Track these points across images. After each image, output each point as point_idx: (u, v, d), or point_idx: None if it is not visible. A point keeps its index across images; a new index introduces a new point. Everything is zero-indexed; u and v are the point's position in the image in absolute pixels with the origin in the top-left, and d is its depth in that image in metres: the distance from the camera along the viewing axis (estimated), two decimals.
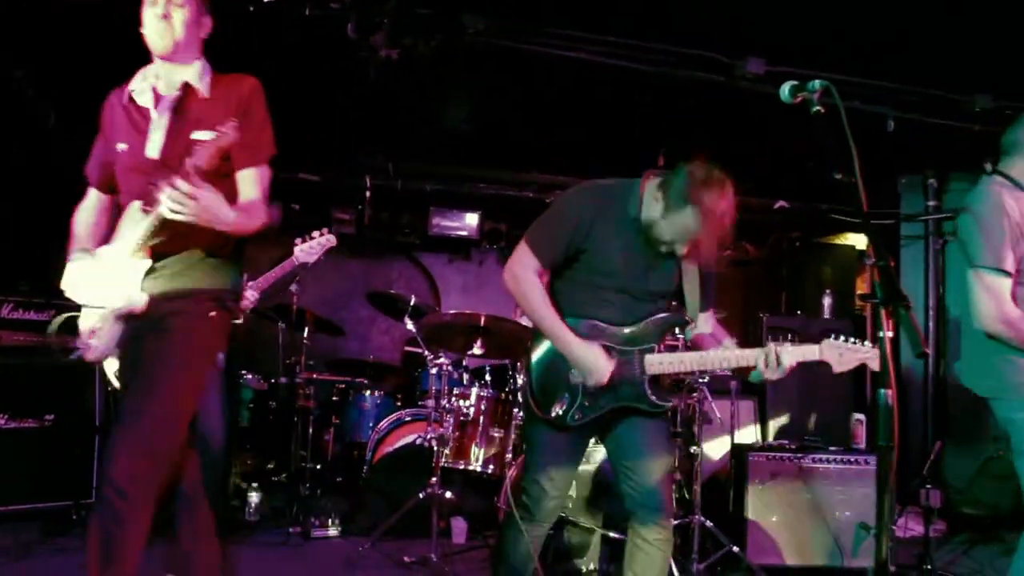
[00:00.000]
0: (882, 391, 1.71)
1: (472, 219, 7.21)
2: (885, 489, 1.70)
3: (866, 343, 2.53)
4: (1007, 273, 2.80)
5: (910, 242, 6.54)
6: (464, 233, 7.25)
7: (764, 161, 6.41)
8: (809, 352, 2.57)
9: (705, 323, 2.83)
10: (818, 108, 2.07)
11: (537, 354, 2.74)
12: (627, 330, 2.68)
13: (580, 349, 2.61)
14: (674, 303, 2.81)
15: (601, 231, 2.64)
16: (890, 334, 1.72)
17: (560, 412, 2.66)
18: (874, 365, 2.48)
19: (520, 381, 4.14)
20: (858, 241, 7.88)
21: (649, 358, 2.66)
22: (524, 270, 2.68)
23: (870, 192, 1.89)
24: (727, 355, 2.63)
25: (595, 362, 2.59)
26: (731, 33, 4.44)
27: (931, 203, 6.34)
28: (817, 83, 2.09)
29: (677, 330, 2.96)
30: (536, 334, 2.76)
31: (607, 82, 4.74)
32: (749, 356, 2.59)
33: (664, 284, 2.74)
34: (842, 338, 2.55)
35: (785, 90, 2.14)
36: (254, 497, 4.95)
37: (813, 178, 5.90)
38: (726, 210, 2.52)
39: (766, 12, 4.18)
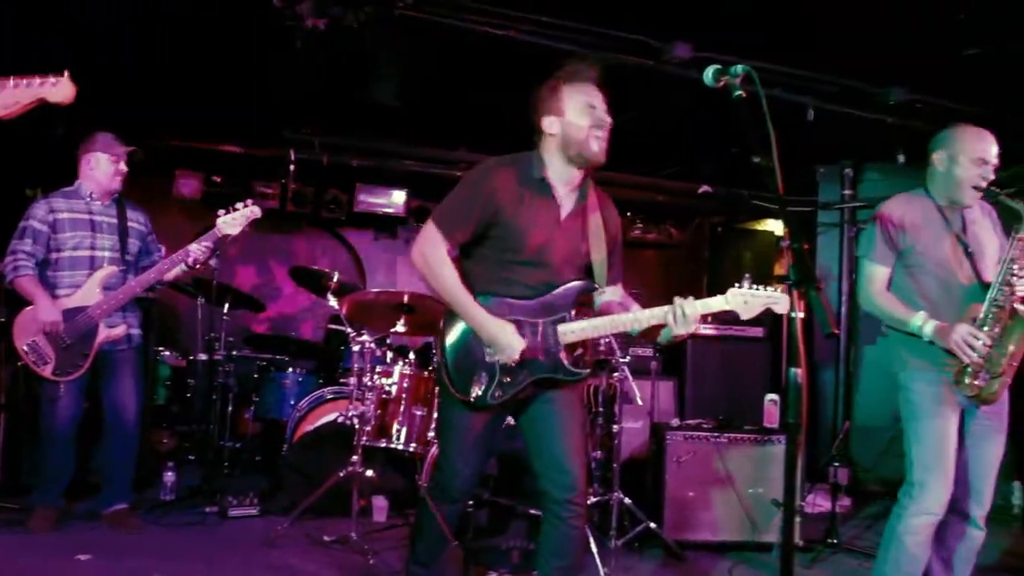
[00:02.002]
0: (792, 370, 1.76)
1: (399, 196, 7.13)
2: (793, 465, 1.76)
3: (770, 288, 2.56)
4: (877, 263, 3.23)
5: (826, 229, 6.75)
6: (391, 210, 7.17)
7: (689, 146, 6.53)
8: (715, 303, 2.59)
9: (613, 292, 2.86)
10: (740, 93, 2.12)
11: (451, 335, 2.73)
12: (538, 302, 2.69)
13: (492, 327, 2.61)
14: (582, 272, 2.82)
15: (507, 201, 2.65)
16: (801, 315, 1.77)
17: (479, 392, 2.66)
18: (779, 308, 2.53)
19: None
20: (777, 227, 8.09)
21: (562, 327, 2.68)
22: (434, 249, 2.66)
23: (790, 180, 1.94)
24: (637, 316, 2.66)
25: (507, 339, 2.60)
26: (660, 18, 4.48)
27: (847, 192, 6.56)
28: (739, 68, 2.13)
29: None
30: (449, 315, 2.75)
31: (537, 61, 4.72)
32: (657, 314, 2.61)
33: (572, 251, 2.76)
34: (746, 285, 2.58)
35: (708, 74, 2.19)
36: (169, 476, 4.84)
37: (736, 164, 6.01)
38: (583, 63, 2.73)
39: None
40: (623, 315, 2.68)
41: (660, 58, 4.66)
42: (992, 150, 3.15)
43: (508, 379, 2.66)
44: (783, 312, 2.42)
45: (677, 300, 2.57)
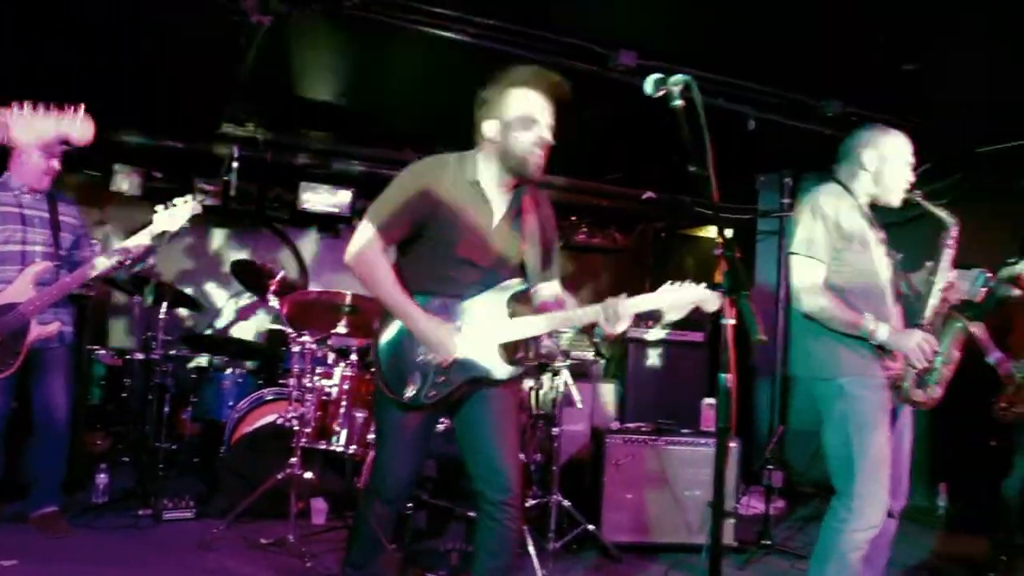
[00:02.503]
0: (722, 375, 1.80)
1: (344, 196, 7.06)
2: (722, 468, 1.80)
3: (701, 285, 2.57)
4: (820, 260, 3.06)
5: (765, 237, 6.90)
6: (336, 210, 7.10)
7: (634, 153, 6.61)
8: (648, 301, 2.60)
9: (549, 291, 2.86)
10: (678, 102, 2.16)
11: (387, 336, 2.73)
12: (474, 301, 2.70)
13: (427, 326, 2.61)
14: (518, 272, 2.82)
15: (441, 202, 2.65)
16: (732, 321, 1.81)
17: (413, 392, 2.66)
18: (708, 307, 2.52)
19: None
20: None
21: (497, 326, 2.69)
22: (368, 249, 2.64)
23: (731, 188, 1.99)
24: (570, 315, 2.68)
25: (442, 339, 2.61)
26: (606, 26, 4.53)
27: (786, 201, 6.71)
28: (679, 78, 2.18)
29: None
30: (385, 315, 2.74)
31: (485, 64, 4.74)
32: (591, 312, 2.62)
33: (507, 252, 2.76)
34: (678, 283, 2.59)
35: (649, 83, 2.23)
36: (102, 478, 4.71)
37: (680, 171, 6.10)
38: (535, 73, 2.63)
39: (642, 9, 4.29)
40: (558, 313, 2.70)
41: (606, 65, 4.72)
42: (912, 152, 3.16)
43: (442, 379, 2.66)
44: (712, 310, 2.41)
45: (609, 299, 2.59)
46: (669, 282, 2.60)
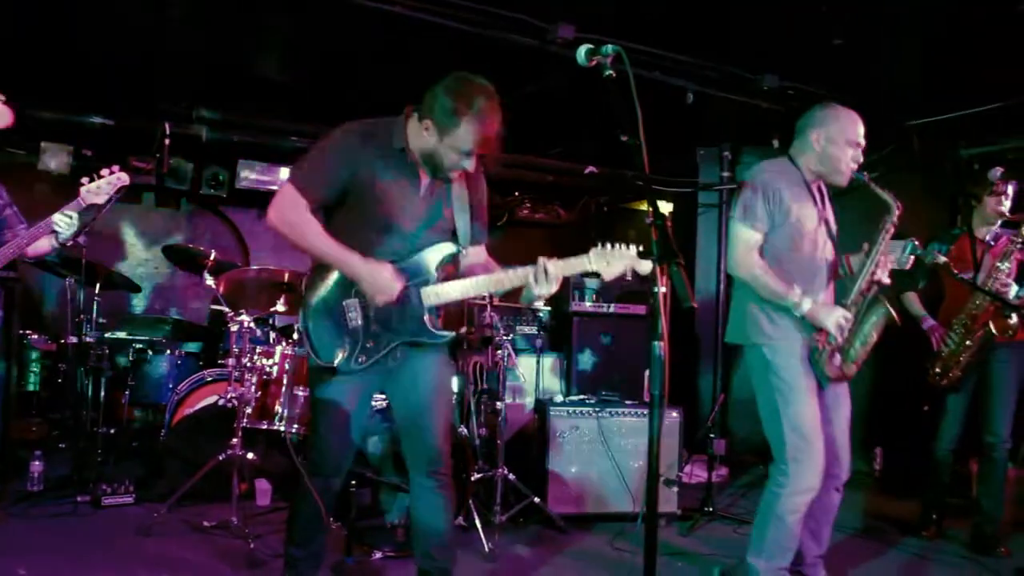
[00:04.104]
0: (655, 343, 1.82)
1: (284, 173, 6.94)
2: (656, 435, 1.82)
3: (631, 247, 2.59)
4: (756, 230, 3.16)
5: (706, 210, 6.97)
6: (275, 187, 6.94)
7: (576, 127, 6.61)
8: (578, 263, 2.62)
9: (478, 255, 2.86)
10: (610, 72, 2.16)
11: (313, 300, 2.71)
12: (401, 265, 2.67)
13: (366, 268, 2.58)
14: (447, 236, 2.80)
15: (367, 165, 2.63)
16: (663, 290, 1.83)
17: (343, 357, 2.65)
18: (642, 269, 2.55)
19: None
20: (662, 207, 8.30)
21: (426, 290, 2.68)
22: (293, 206, 2.60)
23: (672, 162, 2.00)
24: (499, 277, 2.68)
25: (385, 279, 2.58)
26: (546, 1, 4.51)
27: (725, 174, 6.78)
28: (610, 48, 2.18)
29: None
30: (310, 281, 2.72)
31: (423, 38, 4.69)
32: (520, 275, 2.63)
33: (434, 216, 2.75)
34: (609, 245, 2.60)
35: (581, 53, 2.23)
36: (36, 465, 4.60)
37: (621, 145, 6.12)
38: (493, 104, 2.55)
39: None
40: (486, 278, 2.70)
41: (544, 39, 4.70)
42: (862, 133, 3.21)
43: (371, 344, 2.66)
44: (646, 272, 2.41)
45: (540, 260, 2.60)
46: (599, 243, 2.60)
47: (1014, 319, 4.13)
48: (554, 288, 2.60)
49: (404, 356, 2.72)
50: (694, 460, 5.52)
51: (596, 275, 2.63)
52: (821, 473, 3.12)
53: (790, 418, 3.12)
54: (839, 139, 3.17)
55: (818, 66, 5.21)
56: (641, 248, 2.56)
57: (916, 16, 4.46)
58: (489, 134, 2.55)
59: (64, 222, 3.68)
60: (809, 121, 3.26)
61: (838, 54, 4.87)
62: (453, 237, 2.78)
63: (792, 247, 3.20)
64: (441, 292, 2.68)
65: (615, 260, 2.59)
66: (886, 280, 3.20)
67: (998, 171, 4.34)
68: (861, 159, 3.23)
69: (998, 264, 4.19)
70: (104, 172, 3.73)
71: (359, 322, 2.65)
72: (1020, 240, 4.16)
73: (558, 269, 2.59)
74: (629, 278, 2.69)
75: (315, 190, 2.62)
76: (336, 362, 2.65)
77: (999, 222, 4.36)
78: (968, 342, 4.24)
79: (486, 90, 2.56)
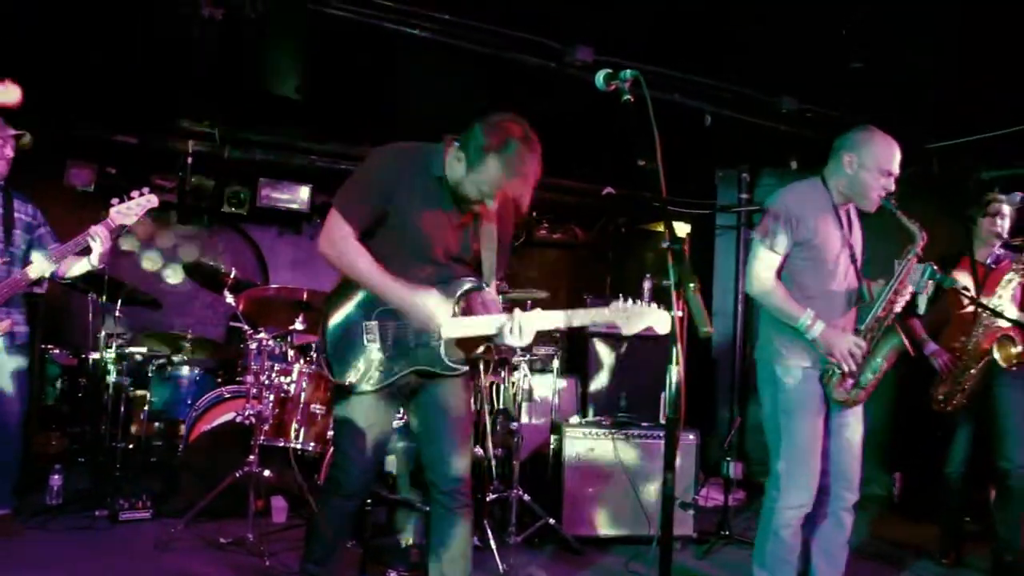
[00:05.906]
0: (671, 367, 1.82)
1: (304, 192, 7.02)
2: (672, 458, 1.82)
3: (652, 305, 2.59)
4: (775, 251, 3.16)
5: (724, 231, 6.97)
6: (295, 206, 7.05)
7: (595, 149, 6.64)
8: (596, 314, 2.64)
9: (492, 290, 2.86)
10: (628, 97, 2.18)
11: (334, 320, 2.73)
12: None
13: (414, 296, 2.59)
14: (472, 269, 2.83)
15: (404, 190, 2.64)
16: (680, 314, 1.83)
17: (355, 378, 2.67)
18: (660, 329, 2.55)
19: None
20: (679, 229, 8.30)
21: (445, 321, 2.68)
22: (343, 237, 2.63)
23: (690, 184, 2.01)
24: (482, 320, 2.69)
25: (434, 307, 2.60)
26: (564, 22, 4.55)
27: (743, 196, 6.78)
28: (628, 73, 2.20)
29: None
30: (331, 301, 2.75)
31: (443, 58, 4.74)
32: (495, 321, 2.65)
33: (465, 248, 2.77)
34: (629, 301, 2.60)
35: (599, 78, 2.26)
36: (56, 479, 4.64)
37: (639, 166, 6.14)
38: (528, 152, 2.56)
39: (598, 5, 4.31)
40: (498, 315, 2.71)
41: (562, 60, 4.73)
42: (897, 161, 3.15)
43: (384, 367, 2.67)
44: (664, 332, 2.41)
45: (516, 312, 2.63)
46: (621, 299, 2.61)
47: (1018, 347, 4.09)
48: (526, 342, 2.64)
49: (420, 381, 2.75)
50: (710, 483, 5.48)
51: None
52: (813, 493, 3.16)
53: (790, 435, 3.17)
54: (871, 165, 3.12)
55: (837, 89, 5.21)
56: (662, 307, 2.55)
57: (935, 39, 4.46)
58: (518, 177, 2.55)
59: (101, 235, 3.81)
60: (844, 143, 3.21)
61: (857, 76, 4.87)
62: (477, 271, 2.80)
63: (812, 271, 3.18)
64: (459, 326, 2.69)
65: (635, 317, 2.59)
66: (899, 308, 3.19)
67: (1017, 196, 4.30)
68: (892, 187, 3.16)
69: (999, 291, 4.16)
70: (134, 194, 3.84)
71: (376, 344, 2.67)
72: (1022, 266, 4.12)
73: (532, 324, 2.63)
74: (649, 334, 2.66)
75: (358, 216, 2.65)
76: (347, 381, 2.67)
77: (998, 243, 4.32)
78: (972, 370, 4.20)
79: (524, 134, 2.57)
